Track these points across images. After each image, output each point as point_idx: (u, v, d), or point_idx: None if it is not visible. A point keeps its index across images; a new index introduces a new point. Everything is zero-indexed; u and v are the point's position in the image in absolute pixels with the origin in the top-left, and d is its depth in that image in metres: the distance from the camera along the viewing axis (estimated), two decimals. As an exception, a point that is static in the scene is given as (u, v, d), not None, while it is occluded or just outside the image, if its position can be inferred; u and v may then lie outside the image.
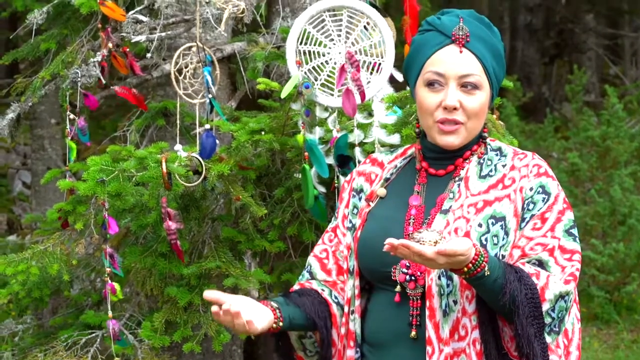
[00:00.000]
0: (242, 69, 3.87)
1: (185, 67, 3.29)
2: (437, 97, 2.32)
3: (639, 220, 8.14)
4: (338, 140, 3.04)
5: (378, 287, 2.38)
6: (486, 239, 2.26)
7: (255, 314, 2.26)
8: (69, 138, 3.46)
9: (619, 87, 13.26)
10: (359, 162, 2.93)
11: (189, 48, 3.28)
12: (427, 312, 2.26)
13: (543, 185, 2.31)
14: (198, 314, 3.30)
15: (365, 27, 3.04)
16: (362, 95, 2.93)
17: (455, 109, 2.30)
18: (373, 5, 3.15)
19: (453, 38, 2.32)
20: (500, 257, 2.27)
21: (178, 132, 3.34)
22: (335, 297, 2.44)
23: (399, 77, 3.24)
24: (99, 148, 4.64)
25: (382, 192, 2.42)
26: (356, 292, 2.40)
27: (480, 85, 2.32)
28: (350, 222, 2.45)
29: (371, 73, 3.03)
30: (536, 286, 2.21)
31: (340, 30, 3.02)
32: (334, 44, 3.03)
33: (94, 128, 7.96)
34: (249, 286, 3.27)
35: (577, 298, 2.36)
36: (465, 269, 2.15)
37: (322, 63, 3.04)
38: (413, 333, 2.29)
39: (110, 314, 3.19)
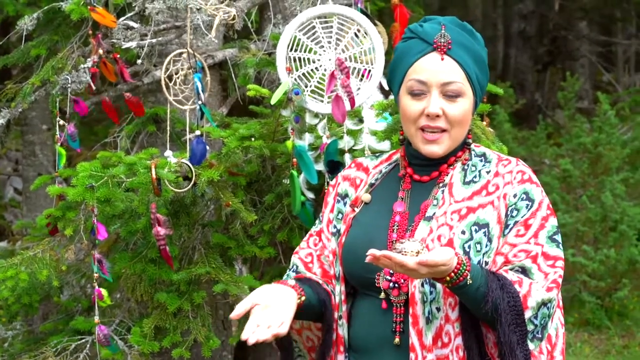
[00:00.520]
0: (233, 75, 3.87)
1: (176, 74, 3.30)
2: (420, 104, 2.32)
3: (630, 226, 8.16)
4: (328, 146, 3.04)
5: (362, 293, 2.38)
6: (469, 246, 2.27)
7: (281, 306, 2.25)
8: (59, 144, 3.46)
9: (612, 94, 13.29)
10: (339, 174, 2.93)
11: (180, 54, 3.28)
12: (410, 319, 2.27)
13: (527, 192, 2.32)
14: (187, 319, 3.30)
15: (355, 34, 3.05)
16: (352, 101, 2.94)
17: (437, 116, 2.30)
18: (363, 12, 3.15)
19: (435, 45, 2.32)
20: (484, 264, 2.27)
21: (168, 138, 3.34)
22: (332, 290, 2.44)
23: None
24: (90, 154, 4.64)
25: (366, 197, 2.43)
26: (342, 297, 2.41)
27: (463, 92, 2.32)
28: (335, 227, 2.46)
29: (361, 80, 3.04)
30: (518, 294, 2.22)
31: (331, 37, 3.03)
32: (324, 50, 3.04)
33: (86, 134, 7.95)
34: (239, 292, 3.27)
35: (561, 303, 2.37)
36: (448, 278, 2.16)
37: (312, 70, 3.05)
38: (397, 340, 2.29)
39: (97, 319, 3.18)
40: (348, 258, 2.38)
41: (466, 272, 2.17)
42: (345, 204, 2.46)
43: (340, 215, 2.46)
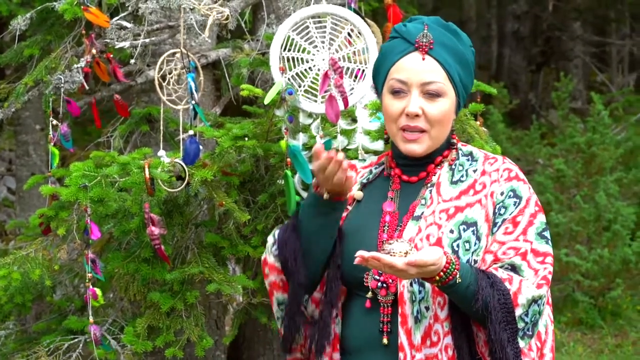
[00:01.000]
0: (226, 75, 3.87)
1: (169, 74, 3.29)
2: (401, 104, 2.33)
3: (623, 226, 8.18)
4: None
5: (352, 293, 2.39)
6: (458, 245, 2.27)
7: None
8: (52, 144, 3.46)
9: (606, 94, 13.32)
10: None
11: (173, 54, 3.28)
12: (399, 319, 2.27)
13: (514, 189, 2.32)
14: (181, 319, 3.30)
15: (349, 34, 3.05)
16: (346, 101, 2.94)
17: (417, 115, 2.31)
18: (357, 12, 3.16)
19: (416, 45, 2.33)
20: (473, 263, 2.28)
21: (162, 138, 3.34)
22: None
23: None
24: (83, 154, 4.63)
25: (359, 195, 2.43)
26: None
27: (444, 92, 2.32)
28: None
29: (355, 80, 3.04)
30: (509, 291, 2.23)
31: (324, 37, 3.03)
32: (318, 50, 3.04)
33: (79, 134, 7.95)
34: (232, 292, 3.27)
35: (550, 299, 2.38)
36: (437, 278, 2.17)
37: (305, 69, 3.05)
38: (384, 340, 2.29)
39: (91, 319, 3.18)
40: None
41: (455, 271, 2.18)
42: None
43: None
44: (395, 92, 2.33)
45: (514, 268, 2.27)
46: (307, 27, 3.03)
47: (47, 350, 3.44)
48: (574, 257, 8.00)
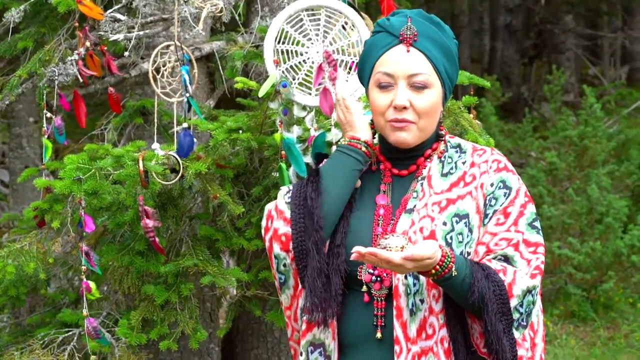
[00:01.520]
0: (220, 68, 3.87)
1: (163, 66, 3.29)
2: (388, 97, 2.33)
3: (615, 219, 8.20)
4: (316, 138, 3.05)
5: (347, 287, 2.37)
6: (451, 237, 2.28)
7: None
8: (46, 137, 3.45)
9: (598, 87, 13.35)
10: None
11: (167, 47, 3.28)
12: (394, 312, 2.27)
13: (504, 180, 2.33)
14: (175, 312, 3.30)
15: (343, 26, 3.05)
16: (339, 94, 2.94)
17: (405, 108, 2.31)
18: (351, 5, 3.16)
19: (401, 38, 2.33)
20: (466, 255, 2.29)
21: (156, 130, 3.34)
22: None
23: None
24: (77, 146, 4.63)
25: (357, 182, 2.43)
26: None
27: (430, 84, 2.32)
28: None
29: (349, 72, 3.04)
30: (503, 282, 2.24)
31: (318, 30, 3.03)
32: (312, 43, 3.04)
33: (72, 127, 7.93)
34: (227, 284, 3.27)
35: (540, 289, 2.39)
36: (433, 271, 2.18)
37: (300, 62, 3.05)
38: (378, 334, 2.30)
39: (86, 312, 3.18)
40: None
41: (451, 264, 2.18)
42: None
43: None
44: (382, 86, 2.34)
45: (506, 259, 2.28)
46: (301, 19, 3.03)
47: (42, 343, 3.44)
48: (567, 249, 8.02)
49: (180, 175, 3.16)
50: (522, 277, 2.26)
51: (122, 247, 3.32)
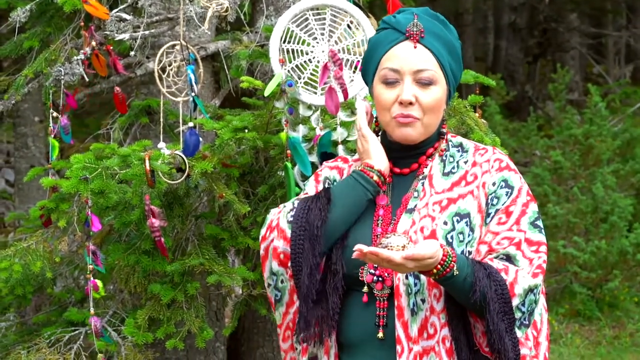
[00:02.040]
0: (225, 67, 3.87)
1: (169, 66, 3.30)
2: (393, 92, 2.33)
3: (620, 217, 8.20)
4: (321, 138, 3.05)
5: (348, 287, 2.37)
6: (452, 237, 2.28)
7: None
8: (52, 136, 3.46)
9: (602, 85, 13.34)
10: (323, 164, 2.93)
11: (173, 46, 3.28)
12: (395, 312, 2.27)
13: (506, 179, 2.33)
14: (181, 310, 3.31)
15: (348, 25, 3.05)
16: (345, 93, 2.95)
17: (411, 103, 2.31)
18: (356, 4, 3.16)
19: (407, 34, 2.33)
20: (467, 254, 2.29)
21: (161, 130, 3.35)
22: None
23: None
24: (82, 146, 4.64)
25: None
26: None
27: (436, 80, 2.33)
28: None
29: (354, 71, 3.05)
30: (505, 282, 2.23)
31: (324, 29, 3.04)
32: (317, 42, 3.05)
33: (77, 126, 7.95)
34: (233, 283, 3.28)
35: (544, 288, 2.38)
36: (434, 271, 2.18)
37: (305, 61, 3.05)
38: (380, 334, 2.30)
39: (92, 311, 3.19)
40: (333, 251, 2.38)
41: (452, 263, 2.18)
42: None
43: None
44: (388, 82, 2.34)
45: (508, 258, 2.28)
46: (307, 19, 3.04)
47: (48, 342, 3.45)
48: (572, 248, 8.01)
49: (186, 174, 3.17)
50: (524, 276, 2.26)
51: (128, 246, 3.32)
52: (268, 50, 3.07)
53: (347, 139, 3.07)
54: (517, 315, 2.25)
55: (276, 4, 3.91)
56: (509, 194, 2.32)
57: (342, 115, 3.06)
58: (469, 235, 2.29)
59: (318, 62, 3.03)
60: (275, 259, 2.39)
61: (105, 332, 3.32)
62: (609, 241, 8.10)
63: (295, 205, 2.39)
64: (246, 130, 3.21)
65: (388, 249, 2.15)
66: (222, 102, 4.07)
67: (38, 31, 3.70)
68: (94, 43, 3.45)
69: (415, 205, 2.33)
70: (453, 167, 2.37)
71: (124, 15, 3.57)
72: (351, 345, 2.36)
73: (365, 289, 2.32)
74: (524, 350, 2.27)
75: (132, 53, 3.71)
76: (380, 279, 2.30)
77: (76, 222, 3.23)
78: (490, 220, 2.30)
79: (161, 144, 3.22)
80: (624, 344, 7.50)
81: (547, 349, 2.35)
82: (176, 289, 3.29)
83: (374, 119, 2.47)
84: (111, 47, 3.52)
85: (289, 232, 2.36)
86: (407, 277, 2.27)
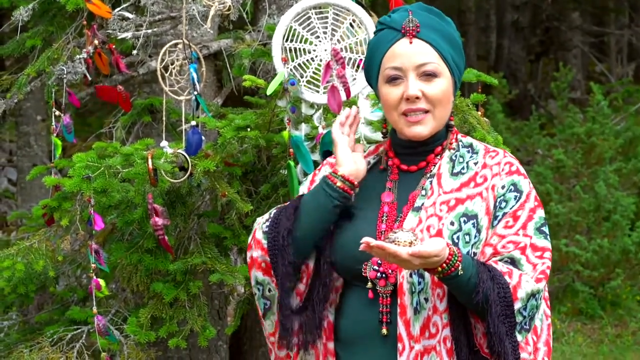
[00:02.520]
0: (228, 66, 3.87)
1: (172, 64, 3.30)
2: (399, 90, 2.34)
3: (623, 216, 8.20)
4: (324, 136, 3.05)
5: (350, 284, 2.38)
6: (458, 237, 2.28)
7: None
8: (55, 135, 3.46)
9: (605, 84, 13.33)
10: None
11: (175, 45, 3.28)
12: (398, 310, 2.27)
13: (515, 183, 2.33)
14: (184, 309, 3.31)
15: (351, 24, 3.05)
16: (348, 92, 2.95)
17: (417, 98, 2.31)
18: (358, 2, 3.16)
19: (403, 31, 2.34)
20: (472, 255, 2.28)
21: (164, 128, 3.35)
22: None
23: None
24: (85, 145, 4.64)
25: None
26: (336, 284, 2.41)
27: (439, 72, 2.33)
28: None
29: (357, 70, 3.05)
30: (508, 285, 2.23)
31: (326, 28, 3.04)
32: (320, 41, 3.05)
33: (80, 125, 7.95)
34: (235, 282, 3.28)
35: (547, 294, 2.38)
36: (439, 269, 2.18)
37: (307, 60, 3.05)
38: (384, 330, 2.30)
39: (95, 309, 3.19)
40: (336, 247, 2.38)
41: (458, 262, 2.18)
42: None
43: None
44: (392, 80, 2.34)
45: (513, 262, 2.28)
46: (309, 17, 3.04)
47: (51, 340, 3.45)
48: (574, 247, 8.01)
49: (188, 173, 3.17)
50: (528, 280, 2.26)
51: (131, 245, 3.33)
52: (270, 49, 3.07)
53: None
54: (519, 319, 2.25)
55: (278, 2, 3.91)
56: (517, 198, 2.31)
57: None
58: (475, 236, 2.29)
59: (320, 60, 3.03)
60: (259, 269, 2.42)
61: (108, 330, 3.32)
62: (611, 240, 8.10)
63: (271, 215, 2.41)
64: (248, 129, 3.21)
65: (395, 244, 2.15)
66: (224, 100, 4.07)
67: (40, 30, 3.70)
68: (96, 42, 3.45)
69: (423, 204, 2.32)
70: (463, 168, 2.36)
71: (127, 14, 3.58)
72: (352, 341, 2.36)
73: (369, 285, 2.32)
74: (523, 355, 2.27)
75: (134, 52, 3.71)
76: (383, 275, 2.30)
77: (79, 221, 3.23)
78: (498, 223, 2.30)
79: (164, 143, 3.22)
80: (626, 343, 7.50)
81: (547, 354, 2.34)
82: (179, 288, 3.29)
83: (383, 119, 2.48)
84: (114, 46, 3.53)
85: (265, 243, 2.39)
86: (411, 276, 2.27)
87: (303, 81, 3.05)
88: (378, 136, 3.02)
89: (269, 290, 2.43)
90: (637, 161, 9.39)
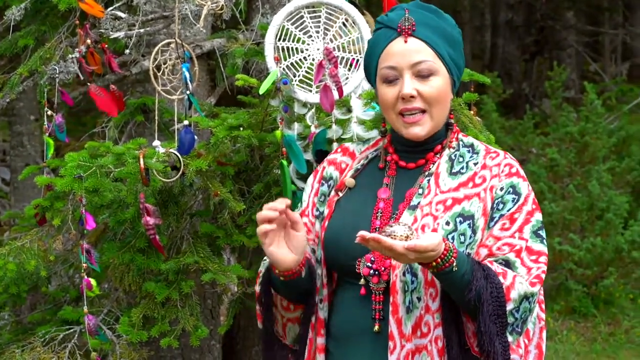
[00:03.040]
0: (221, 65, 3.87)
1: (164, 64, 3.29)
2: (394, 90, 2.33)
3: (616, 215, 8.21)
4: (316, 135, 3.05)
5: (343, 280, 2.38)
6: (453, 237, 2.27)
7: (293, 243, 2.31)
8: (47, 134, 3.46)
9: (599, 83, 13.35)
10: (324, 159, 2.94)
11: (168, 44, 3.28)
12: (390, 308, 2.27)
13: (514, 186, 2.32)
14: (176, 309, 3.30)
15: (343, 23, 3.05)
16: (340, 91, 2.95)
17: (412, 97, 2.31)
18: (351, 2, 3.16)
19: (399, 30, 2.33)
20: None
21: (157, 128, 3.34)
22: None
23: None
24: (78, 144, 4.63)
25: (350, 182, 2.43)
26: (324, 281, 2.41)
27: (435, 70, 2.32)
28: (318, 210, 2.46)
29: (349, 69, 3.05)
30: (502, 285, 2.22)
31: (319, 27, 3.04)
32: (313, 40, 3.05)
33: (74, 124, 7.94)
34: (228, 281, 3.27)
35: (542, 297, 2.37)
36: (434, 264, 2.17)
37: (300, 59, 3.05)
38: (376, 327, 2.30)
39: (86, 309, 3.18)
40: (329, 243, 2.38)
41: (452, 258, 2.18)
42: (329, 186, 2.47)
43: (323, 198, 2.46)
44: (388, 80, 2.34)
45: (507, 264, 2.27)
46: (302, 16, 3.04)
47: (43, 340, 3.44)
48: (567, 245, 8.02)
49: (181, 172, 3.16)
50: (521, 282, 2.25)
51: (123, 244, 3.32)
52: (263, 48, 3.07)
53: (342, 137, 3.07)
54: (510, 320, 2.24)
55: (272, 1, 3.91)
56: (515, 201, 2.31)
57: (337, 113, 3.06)
58: (470, 237, 2.29)
59: (313, 60, 3.03)
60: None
61: (100, 330, 3.31)
62: (604, 238, 8.12)
63: (262, 277, 2.47)
64: (241, 128, 3.21)
65: (391, 237, 2.14)
66: (217, 100, 4.07)
67: (33, 29, 3.69)
68: (89, 41, 3.44)
69: (419, 203, 2.32)
70: (462, 168, 2.36)
71: (119, 14, 3.57)
72: (344, 338, 2.36)
73: (362, 281, 2.32)
74: (514, 357, 2.26)
75: (127, 51, 3.70)
76: (376, 272, 2.30)
77: (71, 221, 3.22)
78: (494, 225, 2.30)
79: (156, 142, 3.22)
80: (619, 341, 7.51)
81: (539, 357, 2.34)
82: (171, 287, 3.28)
83: (382, 119, 2.47)
84: (106, 46, 3.52)
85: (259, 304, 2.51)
86: (404, 274, 2.27)
87: (296, 80, 3.05)
88: (370, 135, 3.03)
89: None
90: (630, 160, 9.41)
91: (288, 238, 2.29)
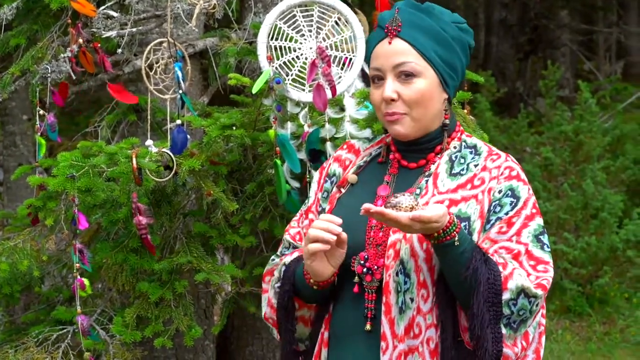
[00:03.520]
0: (214, 64, 3.86)
1: (157, 63, 3.29)
2: (380, 91, 2.33)
3: (611, 214, 8.21)
4: (310, 135, 3.05)
5: (340, 277, 2.37)
6: None
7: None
8: (39, 134, 3.45)
9: (593, 82, 13.36)
10: (330, 156, 2.93)
11: (160, 44, 3.27)
12: (383, 308, 2.26)
13: (513, 189, 2.29)
14: (169, 309, 3.30)
15: (336, 22, 3.05)
16: (333, 90, 2.95)
17: (393, 100, 2.30)
18: (344, 0, 3.15)
19: (386, 30, 2.33)
20: None
21: (149, 127, 3.34)
22: None
23: (370, 72, 3.25)
24: (71, 144, 4.62)
25: (353, 178, 2.42)
26: None
27: (418, 72, 2.30)
28: (321, 206, 2.46)
29: (342, 68, 3.04)
30: (500, 273, 2.20)
31: (312, 26, 3.03)
32: (305, 39, 3.04)
33: (67, 124, 7.92)
34: (221, 281, 3.27)
35: (545, 310, 2.35)
36: (436, 234, 2.17)
37: (293, 58, 3.05)
38: (368, 326, 2.29)
39: (79, 309, 3.18)
40: None
41: (454, 232, 2.17)
42: (332, 183, 2.46)
43: (326, 194, 2.46)
44: (375, 81, 2.35)
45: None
46: (295, 15, 3.03)
47: (36, 340, 3.44)
48: (562, 244, 8.02)
49: (173, 172, 3.16)
50: (521, 274, 2.22)
51: (116, 244, 3.31)
52: (256, 47, 3.06)
53: (335, 136, 3.07)
54: (506, 311, 2.21)
55: (264, 0, 3.90)
56: (513, 204, 2.28)
57: (330, 112, 3.06)
58: None
59: (306, 59, 3.03)
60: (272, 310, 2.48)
61: (93, 330, 3.31)
62: (599, 237, 8.12)
63: (282, 274, 2.42)
64: (234, 128, 3.20)
65: (396, 208, 2.15)
66: (210, 99, 4.06)
67: (25, 29, 3.68)
68: (81, 40, 3.43)
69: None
70: (462, 169, 2.33)
71: (111, 13, 3.56)
72: (339, 335, 2.36)
73: (356, 279, 2.31)
74: (507, 351, 2.23)
75: (119, 50, 3.70)
76: (369, 271, 2.29)
77: (63, 221, 3.22)
78: (490, 228, 2.27)
79: (149, 142, 3.21)
80: (614, 340, 7.51)
81: None
82: (164, 287, 3.28)
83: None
84: (99, 45, 3.51)
85: (274, 301, 2.44)
86: (397, 275, 2.26)
87: (289, 79, 3.05)
88: (363, 134, 3.02)
89: None
90: (625, 159, 9.41)
91: (330, 253, 2.29)
